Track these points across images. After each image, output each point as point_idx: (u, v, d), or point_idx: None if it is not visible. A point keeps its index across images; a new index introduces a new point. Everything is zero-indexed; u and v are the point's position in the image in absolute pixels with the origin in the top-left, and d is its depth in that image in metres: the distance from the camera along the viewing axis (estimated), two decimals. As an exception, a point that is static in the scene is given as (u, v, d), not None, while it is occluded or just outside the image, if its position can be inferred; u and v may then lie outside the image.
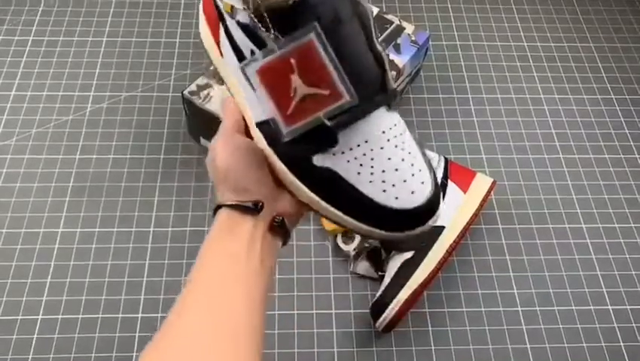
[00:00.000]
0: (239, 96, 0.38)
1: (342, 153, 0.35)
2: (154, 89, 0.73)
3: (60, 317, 0.56)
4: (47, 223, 0.62)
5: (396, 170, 0.34)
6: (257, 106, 0.36)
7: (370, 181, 0.35)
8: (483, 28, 0.83)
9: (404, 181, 0.34)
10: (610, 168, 0.70)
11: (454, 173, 0.61)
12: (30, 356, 0.54)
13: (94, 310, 0.57)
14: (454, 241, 0.57)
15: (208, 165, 0.38)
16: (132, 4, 0.82)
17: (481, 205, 0.60)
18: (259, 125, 0.37)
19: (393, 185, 0.34)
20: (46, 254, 0.60)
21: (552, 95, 0.77)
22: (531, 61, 0.80)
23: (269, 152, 0.37)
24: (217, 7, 0.38)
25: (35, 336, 0.55)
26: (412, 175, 0.35)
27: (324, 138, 0.34)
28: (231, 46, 0.37)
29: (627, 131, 0.74)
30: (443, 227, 0.58)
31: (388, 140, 0.35)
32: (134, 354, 0.54)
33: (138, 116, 0.71)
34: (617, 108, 0.76)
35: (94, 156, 0.67)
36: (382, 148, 0.35)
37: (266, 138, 0.37)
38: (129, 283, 0.58)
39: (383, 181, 0.35)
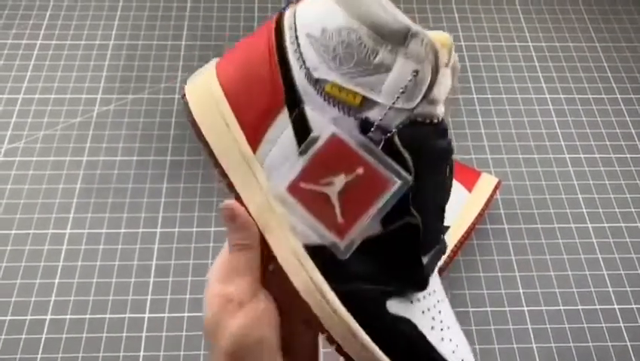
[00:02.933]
0: (272, 218, 0.30)
1: (419, 300, 0.30)
2: (161, 92, 0.74)
3: (68, 317, 0.57)
4: (55, 225, 0.62)
5: (456, 327, 0.31)
6: (307, 222, 0.29)
7: (442, 338, 0.30)
8: (488, 28, 0.83)
9: (463, 342, 0.30)
10: (616, 167, 0.70)
11: (459, 173, 0.61)
12: (39, 356, 0.54)
13: (102, 311, 0.57)
14: (459, 241, 0.57)
15: (212, 339, 0.30)
16: (138, 8, 0.83)
17: (486, 205, 0.60)
18: (311, 250, 0.29)
19: (457, 345, 0.30)
20: (54, 255, 0.60)
21: (557, 95, 0.77)
22: (536, 60, 0.80)
23: (322, 291, 0.29)
24: (290, 87, 0.30)
25: (44, 336, 0.55)
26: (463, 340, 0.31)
27: (414, 276, 0.29)
28: (297, 137, 0.30)
29: (633, 130, 0.73)
30: (448, 227, 0.58)
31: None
32: (141, 354, 0.55)
33: (144, 119, 0.71)
34: (623, 107, 0.76)
35: (101, 158, 0.68)
36: (444, 301, 0.31)
37: (321, 267, 0.29)
38: (136, 283, 0.59)
39: (450, 340, 0.30)
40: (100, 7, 0.83)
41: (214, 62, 0.33)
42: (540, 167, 0.69)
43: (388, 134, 0.28)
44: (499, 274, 0.61)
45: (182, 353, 0.55)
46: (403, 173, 0.28)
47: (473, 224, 0.59)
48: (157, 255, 0.61)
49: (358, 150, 0.29)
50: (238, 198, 0.31)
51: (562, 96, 0.76)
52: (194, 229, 0.63)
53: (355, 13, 0.29)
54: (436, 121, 0.29)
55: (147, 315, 0.57)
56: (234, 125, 0.31)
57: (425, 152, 0.29)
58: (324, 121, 0.29)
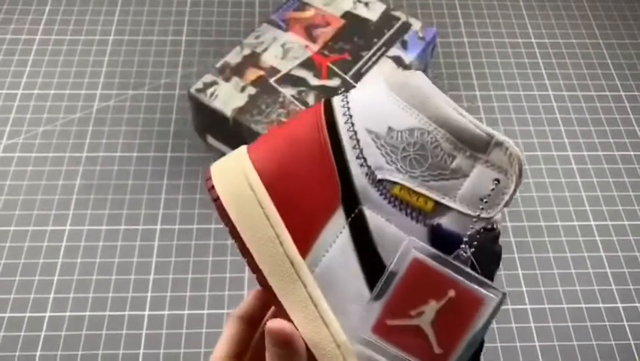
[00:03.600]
0: (344, 353, 0.27)
1: None
2: (161, 87, 0.73)
3: (68, 314, 0.56)
4: (54, 221, 0.62)
5: None
6: (399, 359, 0.27)
7: None
8: (491, 25, 0.83)
9: None
10: (619, 165, 0.70)
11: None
12: (38, 353, 0.54)
13: (101, 308, 0.57)
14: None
15: None
16: (138, 2, 0.82)
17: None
18: None
19: None
20: (53, 252, 0.60)
21: (560, 92, 0.76)
22: (539, 58, 0.80)
23: None
24: (347, 185, 0.28)
25: (43, 333, 0.55)
26: None
27: None
28: (355, 243, 0.27)
29: (637, 127, 0.73)
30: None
31: None
32: (141, 351, 0.54)
33: (144, 114, 0.71)
34: (627, 105, 0.75)
35: (101, 154, 0.67)
36: None
37: None
38: (136, 280, 0.58)
39: None
40: (100, 1, 0.82)
41: (243, 149, 0.30)
42: (543, 164, 0.69)
43: (463, 245, 0.27)
44: (502, 272, 0.61)
45: (182, 350, 0.54)
46: (497, 288, 0.27)
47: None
48: (157, 252, 0.60)
49: (443, 271, 0.27)
50: (276, 303, 0.27)
51: (565, 93, 0.76)
52: (194, 226, 0.62)
53: (426, 112, 0.27)
54: (497, 227, 0.28)
55: (147, 312, 0.57)
56: (279, 225, 0.28)
57: (486, 258, 0.28)
58: (390, 231, 0.27)
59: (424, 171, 0.27)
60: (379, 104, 0.28)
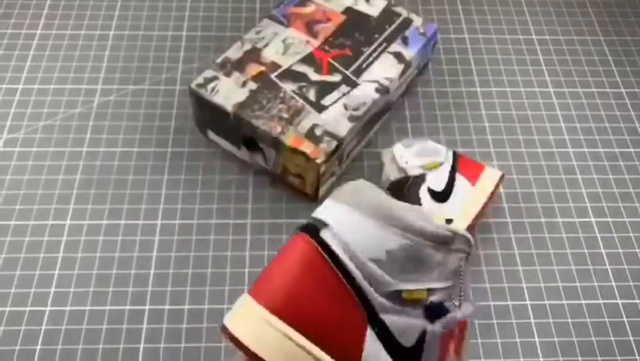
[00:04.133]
0: None
1: None
2: (161, 82, 0.73)
3: (68, 308, 0.56)
4: (54, 216, 0.62)
5: None
6: None
7: None
8: (492, 21, 0.83)
9: None
10: (620, 161, 0.70)
11: (462, 166, 0.61)
12: (38, 347, 0.54)
13: (102, 303, 0.57)
14: (462, 235, 0.57)
15: None
16: (139, -2, 0.82)
17: (490, 198, 0.59)
18: None
19: None
20: (54, 246, 0.60)
21: (561, 89, 0.76)
22: (540, 54, 0.79)
23: None
24: (366, 306, 0.34)
25: (43, 327, 0.55)
26: None
27: None
28: (385, 346, 0.35)
29: (637, 124, 0.73)
30: (452, 220, 0.57)
31: None
32: (141, 346, 0.54)
33: (145, 110, 0.71)
34: (628, 102, 0.75)
35: (101, 149, 0.67)
36: None
37: None
38: (137, 275, 0.58)
39: None
40: (100, -3, 0.82)
41: (246, 299, 0.33)
42: (543, 160, 0.69)
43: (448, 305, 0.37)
44: (502, 268, 0.61)
45: (183, 345, 0.54)
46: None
47: (477, 217, 0.58)
48: (158, 247, 0.60)
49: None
50: None
51: (565, 90, 0.76)
52: (195, 221, 0.62)
53: (408, 229, 0.35)
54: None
55: (147, 307, 0.57)
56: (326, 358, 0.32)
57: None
58: (401, 321, 0.34)
59: (419, 273, 0.35)
60: (368, 232, 0.34)
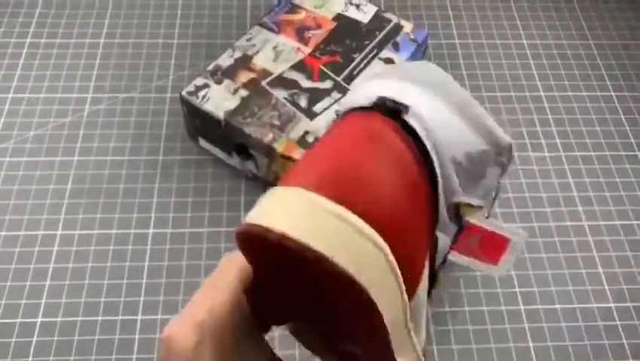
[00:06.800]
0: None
1: None
2: (152, 90, 0.73)
3: (59, 319, 0.56)
4: (45, 226, 0.61)
5: None
6: None
7: None
8: (482, 26, 0.83)
9: None
10: (611, 165, 0.70)
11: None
12: (30, 359, 0.53)
13: (93, 313, 0.56)
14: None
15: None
16: (129, 6, 0.82)
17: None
18: None
19: None
20: (45, 257, 0.59)
21: (552, 93, 0.76)
22: (530, 59, 0.80)
23: None
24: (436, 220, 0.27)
25: (35, 339, 0.54)
26: None
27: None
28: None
29: (628, 128, 0.73)
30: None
31: None
32: (134, 356, 0.54)
33: (136, 118, 0.70)
34: (617, 105, 0.76)
35: (92, 158, 0.67)
36: None
37: None
38: (129, 285, 0.58)
39: None
40: (91, 4, 0.82)
41: (300, 190, 0.23)
42: (535, 165, 0.69)
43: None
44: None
45: (176, 355, 0.54)
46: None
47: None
48: (150, 256, 0.60)
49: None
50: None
51: (556, 94, 0.76)
52: (187, 230, 0.62)
53: (481, 132, 0.28)
54: None
55: (139, 317, 0.56)
56: (400, 279, 0.23)
57: None
58: (443, 246, 0.28)
59: (475, 185, 0.28)
60: (458, 130, 0.27)
